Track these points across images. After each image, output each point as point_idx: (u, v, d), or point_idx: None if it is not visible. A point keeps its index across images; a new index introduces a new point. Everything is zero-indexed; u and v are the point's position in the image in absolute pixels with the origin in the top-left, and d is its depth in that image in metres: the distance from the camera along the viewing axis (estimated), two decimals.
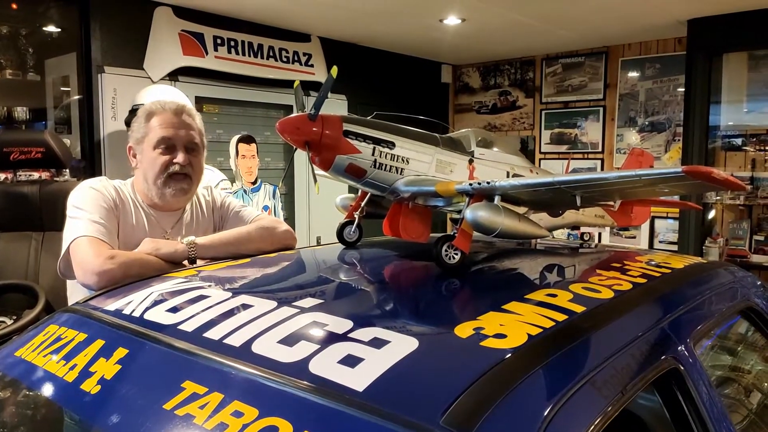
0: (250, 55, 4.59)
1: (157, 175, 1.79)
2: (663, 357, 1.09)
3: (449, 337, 1.00)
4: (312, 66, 5.03)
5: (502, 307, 1.10)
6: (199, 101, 4.28)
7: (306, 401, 0.84)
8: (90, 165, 3.91)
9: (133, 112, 2.75)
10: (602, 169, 5.69)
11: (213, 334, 1.06)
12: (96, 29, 3.89)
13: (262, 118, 4.75)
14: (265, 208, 3.97)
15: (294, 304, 1.14)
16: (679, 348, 1.15)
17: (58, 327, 1.28)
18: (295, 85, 1.67)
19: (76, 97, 4.00)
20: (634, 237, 5.56)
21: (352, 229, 1.76)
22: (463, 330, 1.00)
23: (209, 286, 1.37)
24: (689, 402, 1.10)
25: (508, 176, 1.71)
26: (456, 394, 0.80)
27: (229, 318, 1.11)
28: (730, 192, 4.69)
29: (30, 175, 2.88)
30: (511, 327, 1.00)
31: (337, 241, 1.78)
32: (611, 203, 1.71)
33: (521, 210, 1.56)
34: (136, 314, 1.22)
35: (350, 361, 0.90)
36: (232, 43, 4.47)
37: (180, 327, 1.11)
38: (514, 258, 1.74)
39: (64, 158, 2.93)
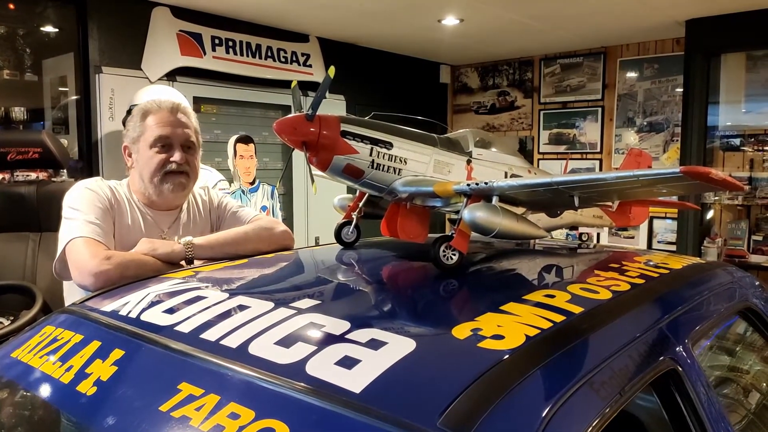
0: (248, 56, 4.59)
1: (153, 174, 1.79)
2: (661, 358, 1.09)
3: (447, 339, 0.99)
4: (310, 66, 5.02)
5: (500, 308, 1.10)
6: (197, 101, 4.27)
7: (303, 403, 0.83)
8: (87, 165, 3.90)
9: (131, 112, 2.74)
10: (601, 169, 5.69)
11: (210, 335, 1.05)
12: (94, 29, 3.88)
13: (260, 119, 4.75)
14: (263, 208, 3.96)
15: (291, 305, 1.14)
16: (677, 349, 1.15)
17: (55, 328, 1.28)
18: (293, 85, 1.67)
19: (74, 97, 3.99)
20: (633, 237, 5.57)
21: (350, 230, 1.76)
22: (461, 331, 1.00)
23: (206, 287, 1.37)
24: (687, 403, 1.09)
25: (506, 177, 1.70)
26: (453, 395, 0.80)
27: (226, 319, 1.11)
28: (729, 192, 4.69)
29: (27, 176, 2.88)
30: (508, 328, 1.00)
31: (335, 241, 1.78)
32: (609, 204, 1.70)
33: (519, 210, 1.56)
34: (133, 315, 1.22)
35: (347, 362, 0.90)
36: (230, 44, 4.47)
37: (176, 328, 1.11)
38: (512, 258, 1.74)
39: (62, 158, 2.92)
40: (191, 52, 4.22)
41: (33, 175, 2.89)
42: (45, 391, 1.11)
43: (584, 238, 2.05)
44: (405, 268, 1.62)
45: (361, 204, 1.75)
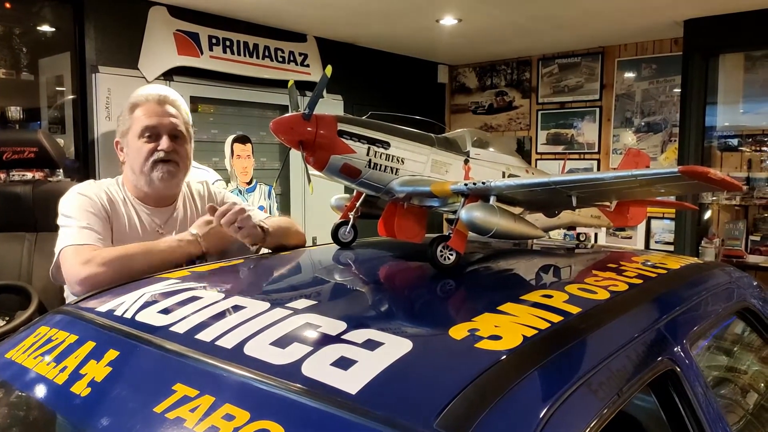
0: (245, 55, 4.58)
1: (142, 163, 1.79)
2: (659, 358, 1.09)
3: (444, 339, 0.99)
4: (308, 66, 5.02)
5: (497, 308, 1.09)
6: (194, 101, 4.26)
7: (298, 404, 0.83)
8: (84, 165, 3.89)
9: None
10: (598, 169, 5.69)
11: (205, 335, 1.05)
12: (90, 28, 3.87)
13: (257, 118, 4.74)
14: (261, 208, 3.95)
15: (287, 305, 1.13)
16: (675, 349, 1.14)
17: (49, 328, 1.27)
18: (290, 84, 1.66)
19: (70, 96, 3.98)
20: (630, 237, 5.57)
21: (347, 230, 1.75)
22: (458, 331, 0.99)
23: (202, 287, 1.36)
24: (685, 403, 1.09)
25: (503, 176, 1.70)
26: (450, 396, 0.79)
27: (222, 319, 1.10)
28: (726, 192, 4.69)
29: (23, 175, 2.86)
30: (506, 328, 1.00)
31: (332, 241, 1.77)
32: (607, 204, 1.70)
33: (517, 210, 1.55)
34: (128, 316, 1.21)
35: (343, 363, 0.89)
36: (228, 43, 4.46)
37: (171, 329, 1.10)
38: (509, 259, 1.73)
39: (58, 158, 2.91)
40: (188, 52, 4.21)
41: (29, 175, 2.87)
42: (38, 392, 1.10)
43: (582, 238, 2.05)
44: (402, 269, 1.61)
45: (358, 204, 1.75)
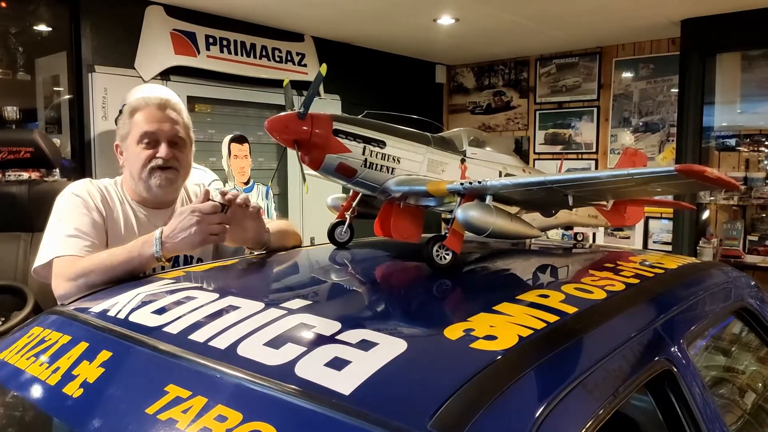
0: (242, 55, 4.57)
1: (140, 170, 1.77)
2: (656, 358, 1.08)
3: (438, 339, 0.98)
4: (305, 66, 5.01)
5: (493, 308, 1.09)
6: (191, 101, 4.25)
7: (291, 405, 0.82)
8: (80, 165, 3.88)
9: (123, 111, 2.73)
10: (596, 169, 5.69)
11: (198, 336, 1.04)
12: (87, 28, 3.86)
13: (254, 118, 4.73)
14: None
15: (282, 305, 1.13)
16: (672, 349, 1.14)
17: (43, 329, 1.26)
18: (285, 83, 1.65)
19: (67, 96, 3.96)
20: (628, 237, 5.57)
21: (344, 230, 1.74)
22: (453, 331, 0.98)
23: (196, 287, 1.35)
24: (682, 404, 1.08)
25: (500, 176, 1.69)
26: (444, 397, 0.78)
27: (215, 320, 1.09)
28: (724, 192, 4.69)
29: (19, 175, 2.85)
30: (501, 328, 0.99)
31: (328, 241, 1.76)
32: (604, 203, 1.69)
33: (513, 210, 1.55)
34: (121, 316, 1.20)
35: (337, 363, 0.88)
36: (225, 43, 4.45)
37: (165, 329, 1.09)
38: (506, 258, 1.73)
39: (54, 158, 2.90)
40: (185, 51, 4.20)
41: (25, 175, 2.87)
42: (31, 393, 1.09)
43: (579, 238, 2.04)
44: (398, 268, 1.60)
45: (354, 203, 1.74)
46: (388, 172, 1.50)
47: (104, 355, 1.07)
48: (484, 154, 1.67)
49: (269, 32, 4.77)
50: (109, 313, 1.23)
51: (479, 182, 1.37)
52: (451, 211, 1.45)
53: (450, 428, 0.73)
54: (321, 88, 4.67)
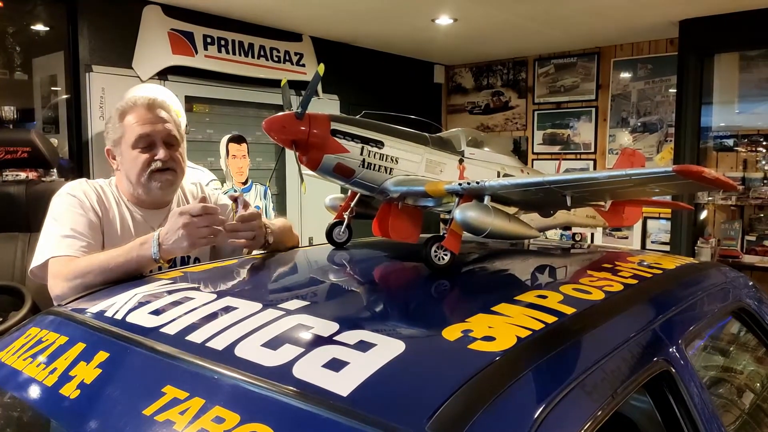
0: (240, 55, 4.56)
1: (139, 174, 1.76)
2: (654, 359, 1.08)
3: (437, 340, 0.98)
4: (303, 66, 5.00)
5: (491, 308, 1.09)
6: (189, 101, 4.25)
7: (289, 406, 0.82)
8: (78, 165, 3.87)
9: None
10: (594, 169, 5.69)
11: (195, 337, 1.03)
12: (84, 28, 3.85)
13: (253, 118, 4.72)
14: (257, 208, 3.94)
15: (279, 306, 1.12)
16: (670, 350, 1.14)
17: (40, 330, 1.26)
18: (283, 83, 1.65)
19: (64, 96, 3.96)
20: (627, 237, 5.57)
21: (342, 230, 1.74)
22: (451, 332, 0.98)
23: (194, 288, 1.35)
24: (680, 404, 1.08)
25: (498, 176, 1.69)
26: (442, 398, 0.78)
27: (213, 321, 1.09)
28: (722, 192, 4.70)
29: (17, 175, 2.84)
30: (499, 329, 0.99)
31: (327, 241, 1.76)
32: (602, 203, 1.69)
33: (512, 210, 1.55)
34: (118, 317, 1.20)
35: (335, 364, 0.88)
36: (223, 42, 4.44)
37: (162, 330, 1.09)
38: (504, 259, 1.73)
39: (51, 158, 2.89)
40: (183, 51, 4.19)
41: (22, 175, 2.86)
42: (28, 393, 1.08)
43: (578, 239, 2.04)
44: (396, 269, 1.60)
45: (352, 204, 1.74)
46: (386, 172, 1.50)
47: (101, 355, 1.06)
48: (483, 154, 1.67)
49: (267, 32, 4.77)
50: (106, 314, 1.23)
51: (477, 183, 1.37)
52: (449, 212, 1.45)
53: (448, 430, 0.73)
54: (319, 88, 4.67)
